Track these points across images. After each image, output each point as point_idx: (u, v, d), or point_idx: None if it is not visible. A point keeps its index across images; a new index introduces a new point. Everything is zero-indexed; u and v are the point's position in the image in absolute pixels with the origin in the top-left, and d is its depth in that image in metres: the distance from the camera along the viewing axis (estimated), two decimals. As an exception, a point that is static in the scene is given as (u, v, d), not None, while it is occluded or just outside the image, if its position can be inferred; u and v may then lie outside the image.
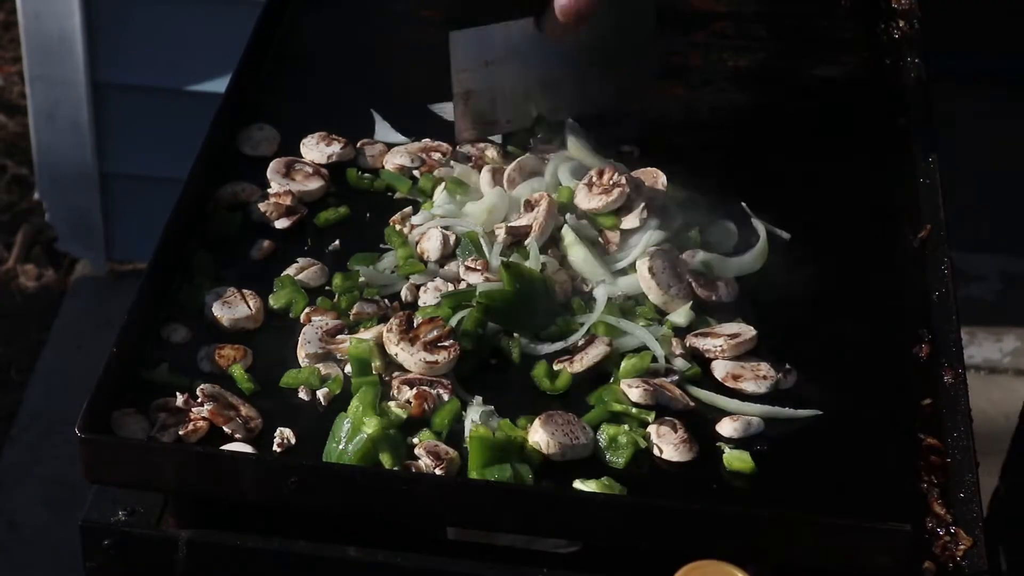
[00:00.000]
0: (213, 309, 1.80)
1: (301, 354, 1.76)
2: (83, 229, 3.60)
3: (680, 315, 1.82)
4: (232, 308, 1.81)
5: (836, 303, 1.87)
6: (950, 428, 1.71)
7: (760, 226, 1.95)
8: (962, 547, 1.60)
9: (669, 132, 2.12)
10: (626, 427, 1.67)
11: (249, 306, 1.81)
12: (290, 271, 1.87)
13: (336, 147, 2.04)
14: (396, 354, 1.72)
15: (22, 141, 3.88)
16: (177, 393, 1.69)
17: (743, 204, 1.98)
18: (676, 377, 1.74)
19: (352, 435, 1.65)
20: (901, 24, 2.29)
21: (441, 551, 1.62)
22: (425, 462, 1.65)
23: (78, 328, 3.56)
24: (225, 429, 1.67)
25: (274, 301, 1.84)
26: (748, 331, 1.80)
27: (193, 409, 1.68)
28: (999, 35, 3.80)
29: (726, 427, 1.70)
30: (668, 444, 1.67)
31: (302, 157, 2.04)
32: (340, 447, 1.65)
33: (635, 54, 2.03)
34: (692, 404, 1.71)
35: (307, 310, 1.81)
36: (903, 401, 1.76)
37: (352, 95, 2.17)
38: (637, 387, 1.71)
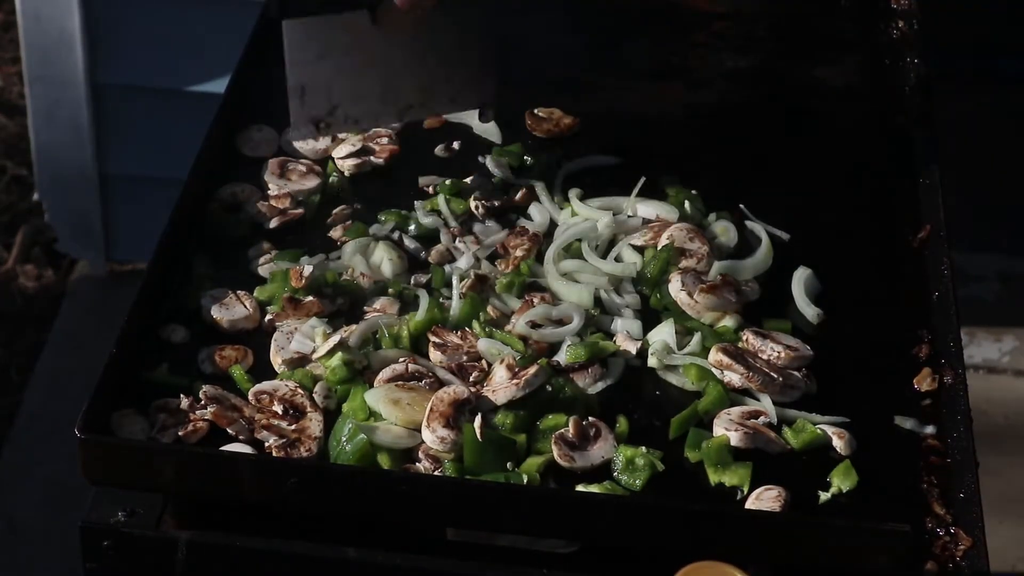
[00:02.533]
0: (212, 312, 1.80)
1: (277, 361, 1.76)
2: (83, 230, 3.60)
3: (730, 320, 1.83)
4: (230, 310, 1.81)
5: (835, 303, 1.87)
6: (950, 428, 1.71)
7: (759, 227, 1.96)
8: (962, 547, 1.59)
9: (668, 132, 2.12)
10: (644, 449, 1.67)
11: (246, 306, 1.81)
12: (279, 265, 1.87)
13: (324, 142, 2.04)
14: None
15: (22, 142, 3.88)
16: (181, 395, 1.69)
17: (741, 207, 1.98)
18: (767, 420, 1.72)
19: (352, 435, 1.65)
20: (901, 24, 2.29)
21: (441, 551, 1.62)
22: (424, 464, 1.65)
23: (78, 329, 3.55)
24: (229, 431, 1.66)
25: (259, 293, 1.83)
26: (805, 349, 1.79)
27: (196, 411, 1.68)
28: (999, 35, 3.80)
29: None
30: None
31: (292, 152, 2.05)
32: (339, 447, 1.65)
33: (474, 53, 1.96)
34: (788, 447, 1.70)
35: (268, 316, 1.81)
36: (903, 401, 1.76)
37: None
38: (736, 431, 1.69)
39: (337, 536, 1.62)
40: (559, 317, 1.81)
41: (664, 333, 1.80)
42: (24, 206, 3.81)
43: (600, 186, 2.01)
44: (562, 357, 1.76)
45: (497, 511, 1.58)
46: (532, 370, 1.71)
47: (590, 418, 1.69)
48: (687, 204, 1.98)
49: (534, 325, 1.79)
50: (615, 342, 1.79)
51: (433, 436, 1.65)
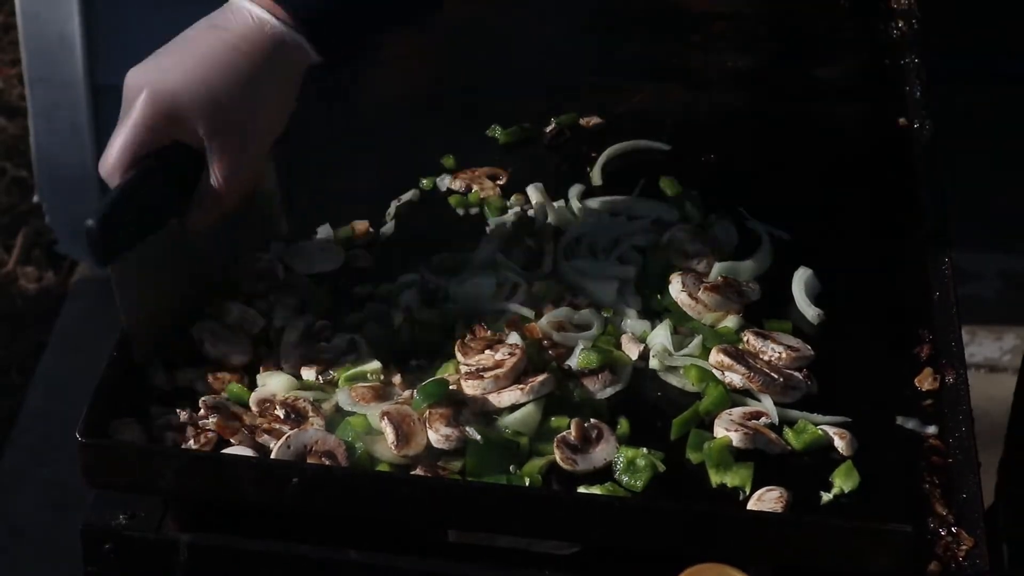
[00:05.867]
0: (208, 345, 1.75)
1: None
2: (83, 231, 3.60)
3: (731, 320, 1.83)
4: (231, 345, 1.76)
5: (836, 303, 1.87)
6: (951, 428, 1.71)
7: (759, 227, 1.96)
8: (964, 547, 1.59)
9: (668, 133, 2.12)
10: (645, 450, 1.67)
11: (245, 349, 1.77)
12: None
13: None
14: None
15: (22, 143, 3.88)
16: (179, 411, 1.68)
17: (740, 209, 1.98)
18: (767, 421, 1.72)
19: (350, 447, 1.65)
20: (901, 24, 2.29)
21: (442, 553, 1.62)
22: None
23: (78, 331, 3.55)
24: (232, 441, 1.66)
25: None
26: (806, 349, 1.79)
27: (199, 422, 1.67)
28: (999, 35, 3.79)
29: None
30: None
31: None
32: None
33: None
34: (789, 448, 1.70)
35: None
36: (904, 401, 1.75)
37: (350, 97, 2.17)
38: (736, 431, 1.68)
39: (339, 538, 1.61)
40: (580, 322, 1.81)
41: (662, 335, 1.80)
42: (24, 208, 3.81)
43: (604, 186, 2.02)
44: (574, 361, 1.76)
45: (498, 513, 1.58)
46: (540, 378, 1.71)
47: (592, 420, 1.69)
48: (687, 204, 1.98)
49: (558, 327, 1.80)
50: (620, 344, 1.79)
51: (437, 436, 1.65)
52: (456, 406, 1.68)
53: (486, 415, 1.69)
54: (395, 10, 1.78)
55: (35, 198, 3.65)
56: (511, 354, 1.72)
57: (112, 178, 1.70)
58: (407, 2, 1.79)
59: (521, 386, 1.70)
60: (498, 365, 1.71)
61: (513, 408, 1.69)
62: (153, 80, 1.69)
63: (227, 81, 1.68)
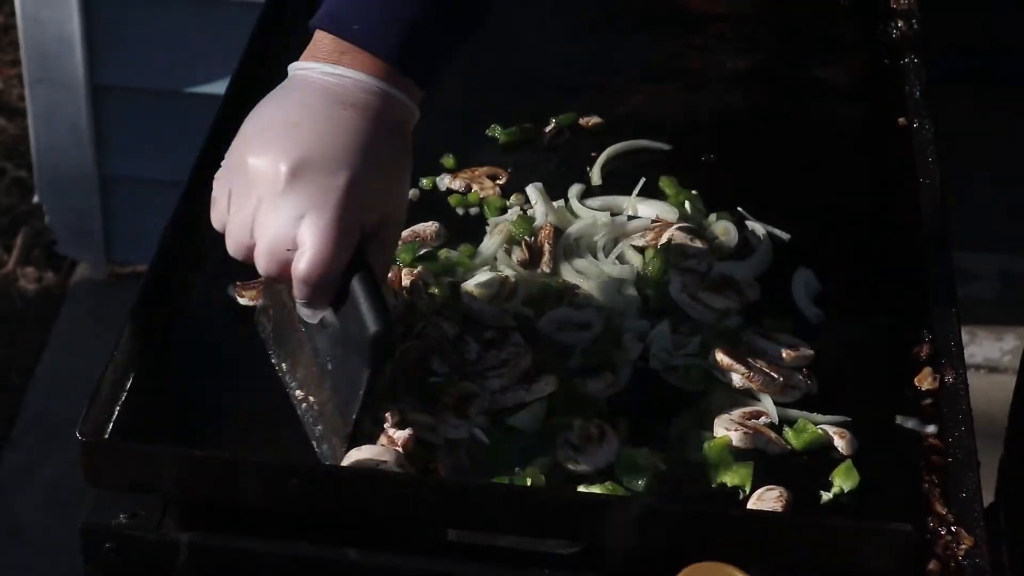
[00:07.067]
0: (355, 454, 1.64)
1: None
2: (83, 232, 3.60)
3: (731, 320, 1.83)
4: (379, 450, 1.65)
5: (836, 303, 1.87)
6: (951, 428, 1.71)
7: (759, 227, 1.96)
8: (963, 547, 1.59)
9: (667, 133, 2.12)
10: (646, 450, 1.67)
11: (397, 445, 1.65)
12: None
13: None
14: None
15: (21, 144, 3.88)
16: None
17: (739, 209, 1.98)
18: (768, 420, 1.72)
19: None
20: (901, 24, 2.29)
21: (442, 553, 1.62)
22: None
23: (78, 331, 3.56)
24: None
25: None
26: (806, 349, 1.79)
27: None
28: (999, 35, 3.80)
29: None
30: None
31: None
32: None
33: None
34: (789, 447, 1.70)
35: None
36: (904, 401, 1.76)
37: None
38: (736, 431, 1.68)
39: (339, 538, 1.62)
40: (580, 322, 1.81)
41: (662, 335, 1.80)
42: (24, 208, 3.81)
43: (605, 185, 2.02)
44: (574, 362, 1.76)
45: (498, 512, 1.58)
46: (545, 378, 1.71)
47: (595, 420, 1.69)
48: (687, 204, 1.98)
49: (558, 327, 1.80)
50: (621, 343, 1.79)
51: (448, 427, 1.66)
52: (464, 400, 1.69)
53: (491, 414, 1.69)
54: (462, 42, 1.69)
55: (35, 198, 3.65)
56: (516, 354, 1.73)
57: (331, 286, 1.56)
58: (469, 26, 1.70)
59: (526, 386, 1.70)
60: (502, 364, 1.72)
61: (518, 408, 1.70)
62: (340, 170, 1.55)
63: (396, 175, 1.61)
